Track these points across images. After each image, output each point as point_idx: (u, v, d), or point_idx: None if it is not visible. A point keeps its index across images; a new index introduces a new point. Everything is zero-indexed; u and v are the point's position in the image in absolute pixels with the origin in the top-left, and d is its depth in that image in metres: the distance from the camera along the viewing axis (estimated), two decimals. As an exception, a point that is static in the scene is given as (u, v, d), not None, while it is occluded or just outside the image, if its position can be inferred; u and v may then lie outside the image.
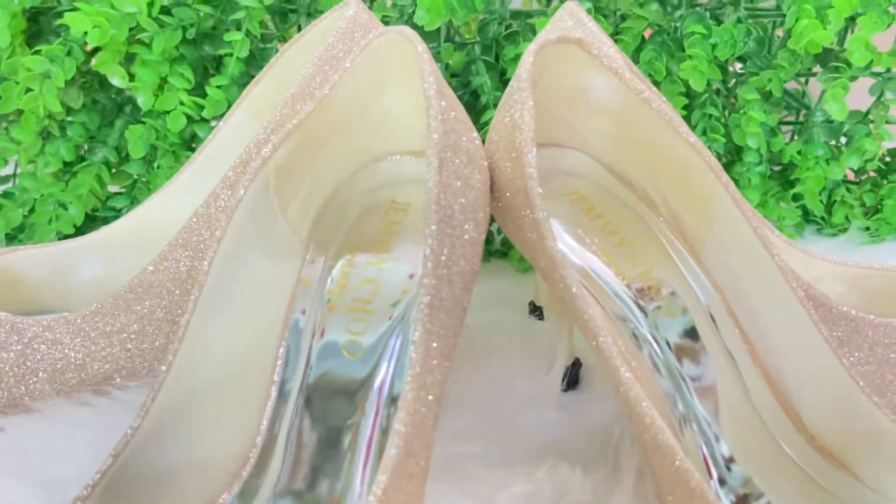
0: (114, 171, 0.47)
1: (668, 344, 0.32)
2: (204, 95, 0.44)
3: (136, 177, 0.48)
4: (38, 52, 0.42)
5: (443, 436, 0.31)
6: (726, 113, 0.54)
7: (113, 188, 0.49)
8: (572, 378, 0.39)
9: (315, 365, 0.29)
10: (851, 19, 0.54)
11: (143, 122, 0.45)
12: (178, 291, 0.33)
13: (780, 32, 0.55)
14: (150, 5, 0.42)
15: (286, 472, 0.27)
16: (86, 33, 0.40)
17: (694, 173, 0.32)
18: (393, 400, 0.28)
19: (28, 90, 0.42)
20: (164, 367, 0.26)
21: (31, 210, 0.46)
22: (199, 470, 0.27)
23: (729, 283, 0.33)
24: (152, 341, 0.33)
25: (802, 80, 0.57)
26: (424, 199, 0.28)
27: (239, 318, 0.29)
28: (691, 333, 0.33)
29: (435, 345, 0.25)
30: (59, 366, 0.32)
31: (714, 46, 0.49)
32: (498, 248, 0.55)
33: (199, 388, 0.27)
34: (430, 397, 0.25)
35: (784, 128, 0.58)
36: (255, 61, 0.47)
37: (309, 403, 0.29)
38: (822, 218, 0.57)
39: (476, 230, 0.28)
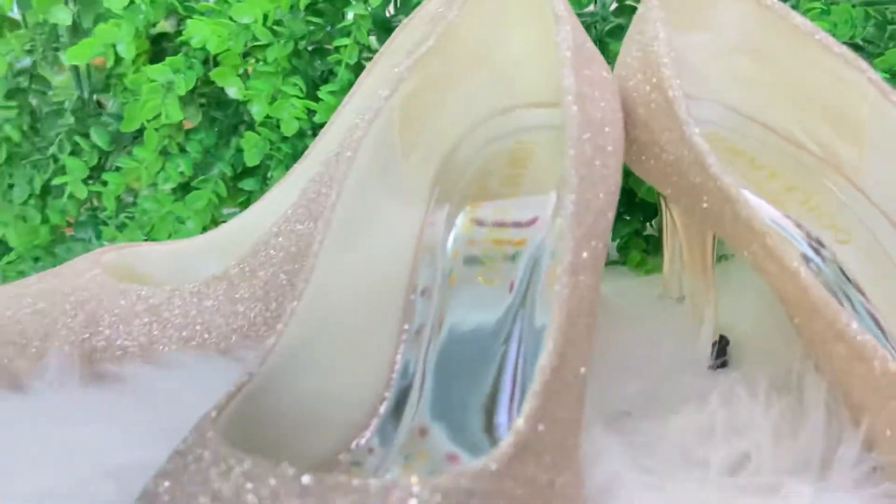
0: (230, 186, 0.48)
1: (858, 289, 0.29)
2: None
3: (250, 194, 0.48)
4: (160, 67, 0.43)
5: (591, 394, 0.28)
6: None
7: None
8: (720, 352, 0.35)
9: (449, 300, 0.27)
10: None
11: (258, 132, 0.45)
12: (300, 256, 0.32)
13: None
14: (265, 17, 0.43)
15: (426, 407, 0.25)
16: (204, 45, 0.42)
17: (851, 97, 0.29)
18: (536, 330, 0.26)
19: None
20: (294, 302, 0.25)
21: (151, 230, 0.47)
22: (335, 405, 0.25)
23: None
24: (275, 308, 0.32)
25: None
26: (553, 138, 0.27)
27: (367, 255, 0.27)
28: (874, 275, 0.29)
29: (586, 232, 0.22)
30: (184, 333, 0.31)
31: (834, 25, 0.47)
32: (614, 260, 0.52)
33: (331, 319, 0.25)
34: (589, 281, 0.22)
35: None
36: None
37: (445, 337, 0.26)
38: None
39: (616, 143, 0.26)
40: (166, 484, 0.18)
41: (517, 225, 0.29)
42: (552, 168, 0.31)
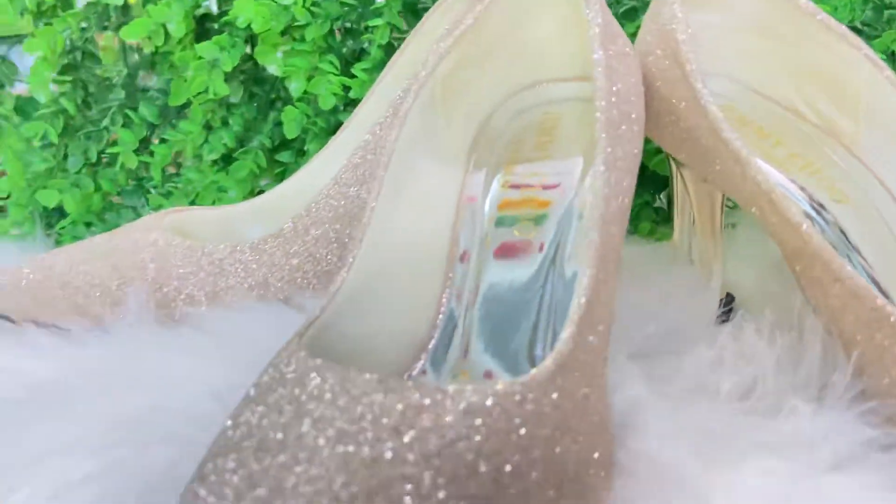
0: (268, 158, 0.51)
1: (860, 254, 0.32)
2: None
3: (286, 165, 0.51)
4: (206, 45, 0.46)
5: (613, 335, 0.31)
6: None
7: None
8: (727, 304, 0.38)
9: (486, 261, 0.31)
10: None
11: (296, 107, 0.48)
12: (347, 216, 0.36)
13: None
14: (304, -3, 0.47)
15: (470, 339, 0.28)
16: (250, 24, 0.45)
17: (848, 72, 0.32)
18: (567, 281, 0.29)
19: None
20: (353, 253, 0.28)
21: (195, 198, 0.50)
22: (391, 340, 0.28)
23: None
24: (325, 265, 0.35)
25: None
26: (577, 108, 0.30)
27: (415, 212, 0.31)
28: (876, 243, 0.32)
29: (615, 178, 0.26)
30: (245, 285, 0.34)
31: (835, 9, 0.50)
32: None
33: (384, 268, 0.29)
34: (616, 231, 0.25)
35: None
36: (394, 53, 0.50)
37: (484, 292, 0.30)
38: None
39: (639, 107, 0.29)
40: (268, 391, 0.21)
41: (546, 187, 0.32)
42: (576, 136, 0.34)
